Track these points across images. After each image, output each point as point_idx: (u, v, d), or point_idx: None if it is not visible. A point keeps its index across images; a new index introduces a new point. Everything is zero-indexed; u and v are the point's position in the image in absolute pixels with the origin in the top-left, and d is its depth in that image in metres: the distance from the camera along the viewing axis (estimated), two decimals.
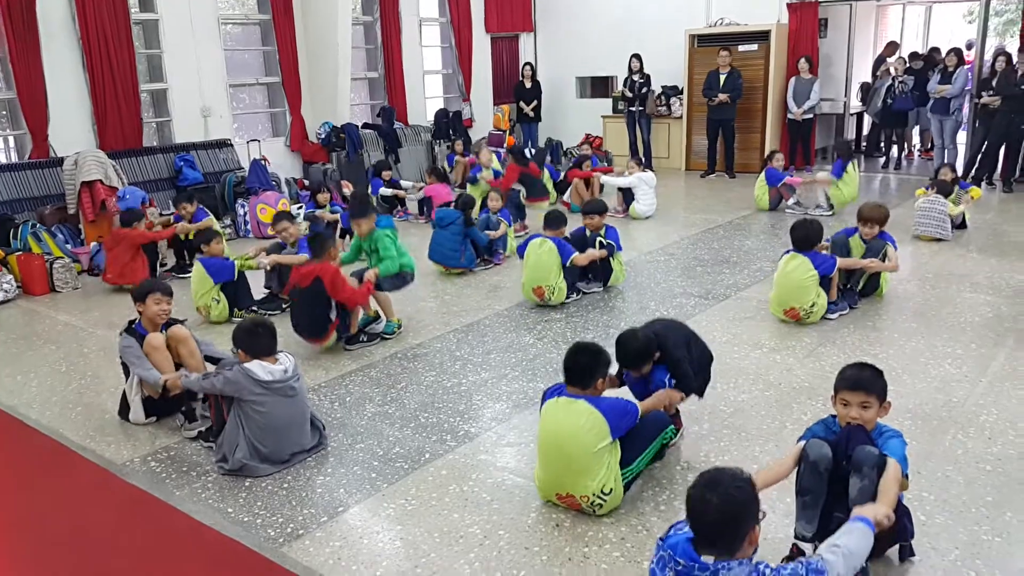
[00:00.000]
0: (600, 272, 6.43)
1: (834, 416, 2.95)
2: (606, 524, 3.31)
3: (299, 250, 6.36)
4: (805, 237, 5.51)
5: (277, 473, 3.85)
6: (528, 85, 13.21)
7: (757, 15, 11.76)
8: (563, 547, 3.18)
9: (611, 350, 3.59)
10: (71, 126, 8.75)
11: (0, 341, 6.04)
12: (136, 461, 4.06)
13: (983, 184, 9.94)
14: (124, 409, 4.47)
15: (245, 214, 9.28)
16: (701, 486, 2.23)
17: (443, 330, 5.82)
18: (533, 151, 12.12)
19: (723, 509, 2.17)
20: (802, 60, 11.26)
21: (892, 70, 11.65)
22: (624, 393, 3.76)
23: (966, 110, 11.22)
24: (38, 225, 8.00)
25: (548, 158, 11.24)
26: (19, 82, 8.25)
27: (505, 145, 12.25)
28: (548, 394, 3.46)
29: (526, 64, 13.51)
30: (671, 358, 3.76)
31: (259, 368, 3.80)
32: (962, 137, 11.57)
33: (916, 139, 13.21)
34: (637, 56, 12.20)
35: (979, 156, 10.25)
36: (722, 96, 11.26)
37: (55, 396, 4.95)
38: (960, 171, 9.86)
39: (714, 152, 11.88)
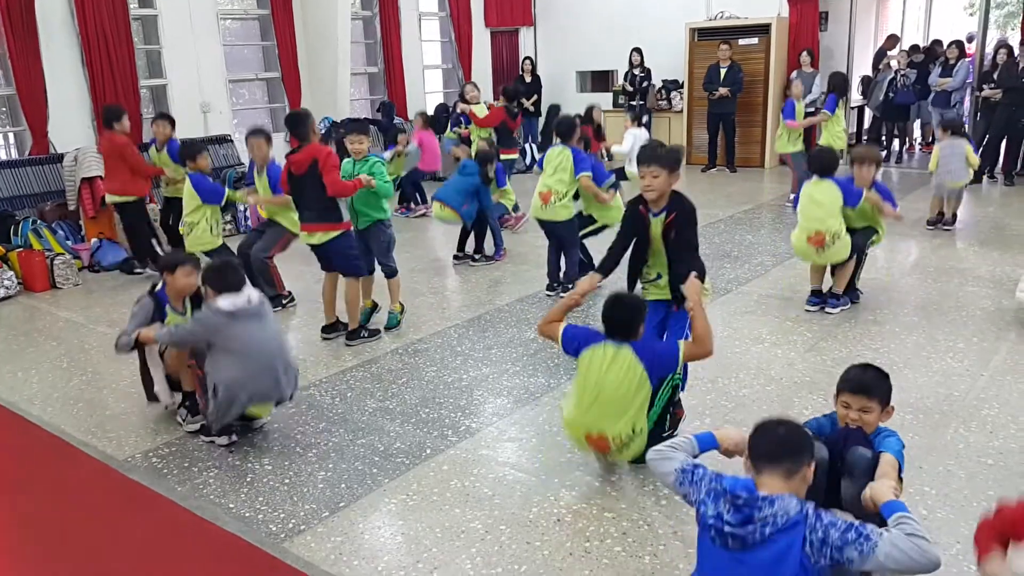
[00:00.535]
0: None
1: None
2: (607, 519, 3.31)
3: (269, 171, 6.12)
4: (825, 163, 5.63)
5: (277, 466, 3.85)
6: (528, 79, 13.18)
7: (757, 9, 11.73)
8: (564, 542, 3.18)
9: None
10: (71, 122, 8.74)
11: (1, 337, 6.05)
12: (138, 456, 4.06)
13: (984, 178, 9.93)
14: (149, 386, 4.42)
15: (245, 210, 9.26)
16: (768, 421, 2.40)
17: (444, 325, 5.82)
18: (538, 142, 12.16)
19: (789, 435, 2.34)
20: (804, 53, 11.24)
21: (894, 63, 11.62)
22: None
23: (967, 103, 11.20)
24: (39, 221, 8.00)
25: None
26: (19, 79, 8.24)
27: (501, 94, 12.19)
28: (583, 339, 3.50)
29: (526, 58, 13.47)
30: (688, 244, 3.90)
31: (224, 301, 3.89)
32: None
33: (917, 133, 13.18)
34: (637, 50, 12.17)
35: (980, 149, 10.23)
36: (723, 90, 11.23)
37: (56, 392, 4.95)
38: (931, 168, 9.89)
39: (715, 146, 11.86)
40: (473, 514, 3.39)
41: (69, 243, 8.00)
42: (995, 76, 9.89)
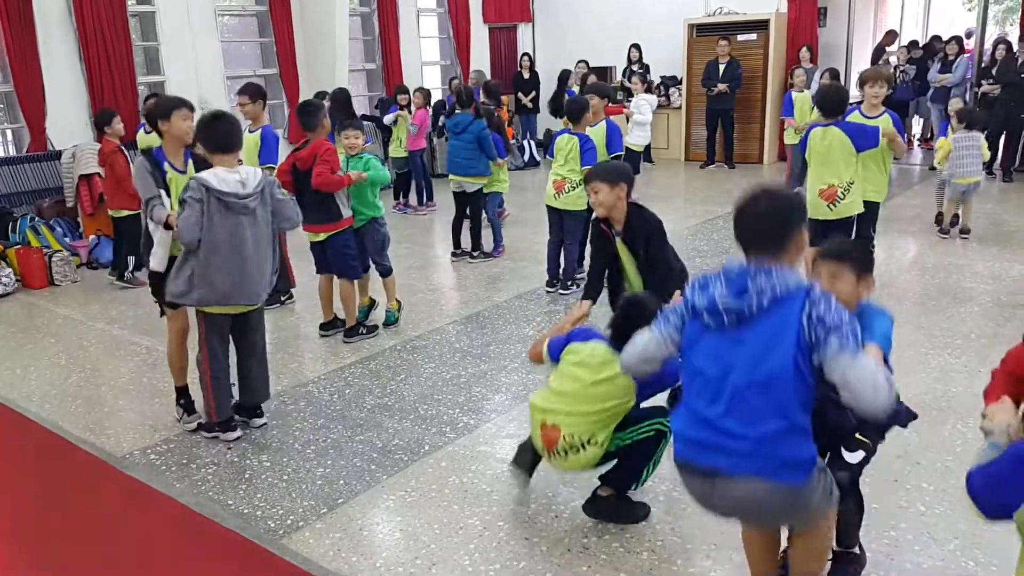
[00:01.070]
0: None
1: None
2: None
3: (263, 131, 5.99)
4: (833, 102, 5.26)
5: (276, 462, 3.85)
6: (526, 76, 13.17)
7: (756, 4, 11.70)
8: (562, 538, 3.18)
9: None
10: (69, 119, 8.72)
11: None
12: (136, 453, 4.06)
13: (983, 173, 9.92)
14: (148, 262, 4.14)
15: None
16: (747, 199, 2.24)
17: (442, 322, 5.82)
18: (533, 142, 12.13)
19: (772, 207, 2.19)
20: (803, 49, 11.22)
21: (893, 59, 11.61)
22: None
23: (967, 99, 11.19)
24: (36, 218, 7.99)
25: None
26: (16, 75, 8.22)
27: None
28: (571, 338, 3.29)
29: (524, 55, 13.46)
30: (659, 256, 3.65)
31: (212, 177, 3.68)
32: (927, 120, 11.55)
33: (916, 128, 13.18)
34: (636, 46, 12.15)
35: None
36: (721, 86, 11.22)
37: (54, 389, 4.95)
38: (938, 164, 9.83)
39: (713, 142, 11.85)
40: (471, 510, 3.39)
41: (67, 240, 7.99)
42: (994, 72, 9.89)
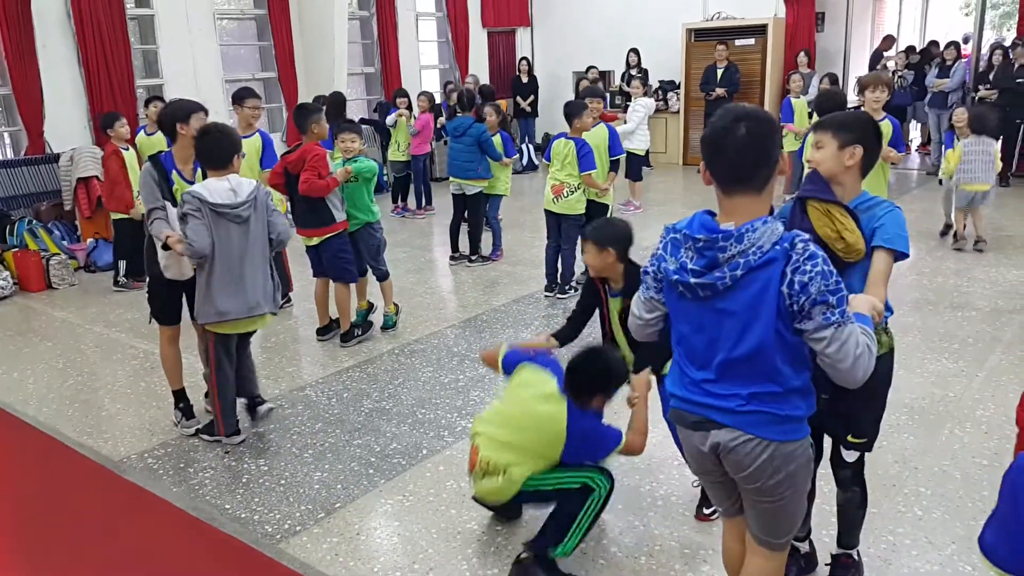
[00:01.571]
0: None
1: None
2: (603, 520, 3.30)
3: (261, 135, 5.97)
4: (831, 106, 4.88)
5: (273, 466, 3.85)
6: (525, 80, 13.19)
7: (754, 9, 11.76)
8: None
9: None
10: (67, 122, 8.73)
11: None
12: (133, 457, 4.05)
13: (995, 183, 9.92)
14: (153, 263, 4.08)
15: None
16: (723, 120, 1.96)
17: (440, 326, 5.82)
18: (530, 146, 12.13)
19: (752, 132, 1.92)
20: (801, 54, 11.26)
21: (892, 64, 11.63)
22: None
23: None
24: (34, 221, 7.99)
25: None
26: (14, 78, 8.23)
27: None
28: (525, 359, 3.15)
29: (523, 59, 13.49)
30: None
31: (203, 189, 3.66)
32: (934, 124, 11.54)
33: (913, 133, 13.20)
34: (635, 51, 12.18)
35: None
36: (719, 90, 11.23)
37: (52, 393, 4.94)
38: (943, 170, 9.81)
39: None
40: (469, 515, 3.39)
41: (65, 243, 7.99)
42: (991, 77, 9.91)
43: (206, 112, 4.13)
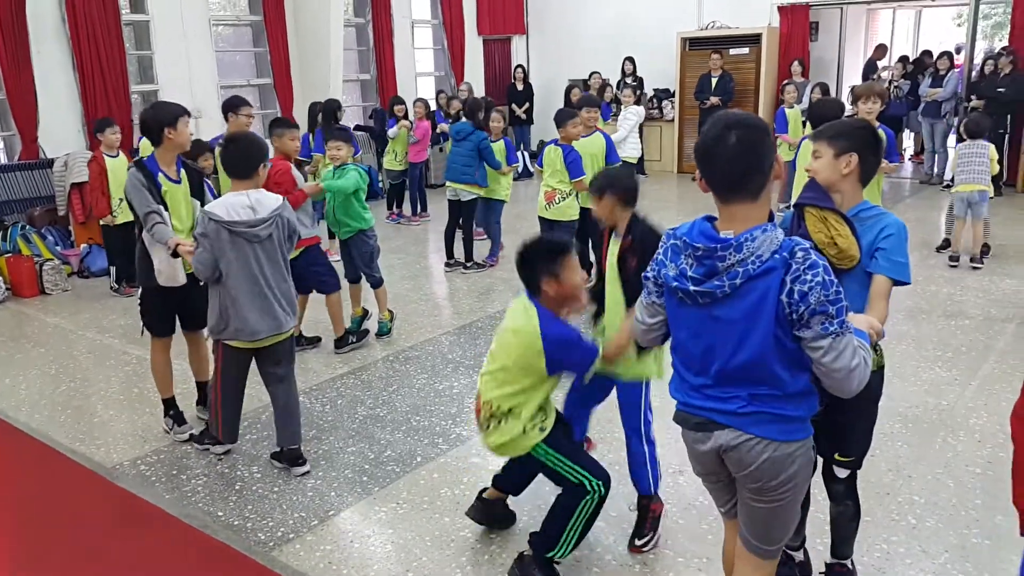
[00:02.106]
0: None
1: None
2: (599, 527, 3.29)
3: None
4: (826, 117, 4.43)
5: (266, 473, 3.83)
6: (520, 87, 13.22)
7: (748, 18, 11.80)
8: None
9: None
10: (61, 127, 8.70)
11: None
12: (126, 464, 4.03)
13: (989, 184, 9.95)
14: (148, 270, 4.00)
15: None
16: (714, 129, 1.96)
17: (435, 333, 5.81)
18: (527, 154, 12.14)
19: (743, 140, 1.92)
20: (795, 63, 11.31)
21: (886, 74, 11.69)
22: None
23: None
24: (28, 227, 7.96)
25: None
26: (8, 83, 8.20)
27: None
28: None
29: (518, 66, 13.52)
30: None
31: (220, 208, 3.54)
32: (952, 141, 11.61)
33: (907, 143, 13.27)
34: (630, 59, 12.21)
35: None
36: (714, 99, 11.29)
37: (44, 399, 4.92)
38: (948, 175, 9.85)
39: None
40: (463, 522, 3.38)
41: (58, 248, 7.97)
42: (980, 86, 9.98)
43: (189, 114, 4.10)
